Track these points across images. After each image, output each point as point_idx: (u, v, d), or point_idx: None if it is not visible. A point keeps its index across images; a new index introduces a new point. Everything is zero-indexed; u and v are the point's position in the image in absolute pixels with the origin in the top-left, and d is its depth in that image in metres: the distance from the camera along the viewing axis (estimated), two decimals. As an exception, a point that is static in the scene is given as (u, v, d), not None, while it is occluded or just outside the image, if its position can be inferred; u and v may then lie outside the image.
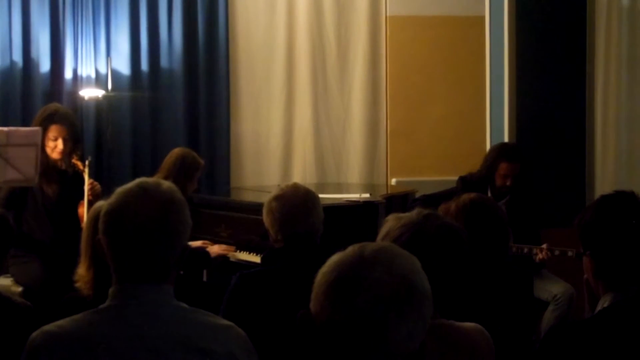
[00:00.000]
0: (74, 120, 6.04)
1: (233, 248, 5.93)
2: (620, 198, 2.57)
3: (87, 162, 5.67)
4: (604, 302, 2.51)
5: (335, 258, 1.82)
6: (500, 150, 5.96)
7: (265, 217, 3.81)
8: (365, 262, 1.78)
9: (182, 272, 2.70)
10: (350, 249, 1.83)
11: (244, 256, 5.84)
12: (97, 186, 5.73)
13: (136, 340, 2.33)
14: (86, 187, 5.59)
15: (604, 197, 2.61)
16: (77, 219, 5.67)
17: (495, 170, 5.86)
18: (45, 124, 5.69)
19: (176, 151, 6.09)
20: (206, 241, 6.02)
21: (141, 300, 2.38)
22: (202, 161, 6.13)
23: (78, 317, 2.39)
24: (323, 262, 1.85)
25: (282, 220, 3.74)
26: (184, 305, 2.44)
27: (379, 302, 1.73)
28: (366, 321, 1.73)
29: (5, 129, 5.26)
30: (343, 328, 1.74)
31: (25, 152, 5.17)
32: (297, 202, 3.76)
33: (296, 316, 1.81)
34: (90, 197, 5.56)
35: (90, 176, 5.78)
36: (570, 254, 5.41)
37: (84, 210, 5.54)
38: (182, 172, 5.91)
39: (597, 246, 2.52)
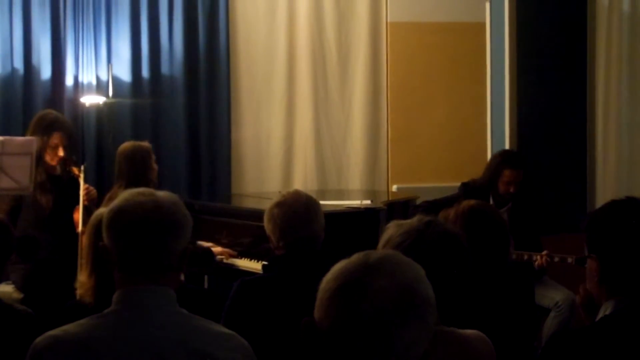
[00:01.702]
0: (72, 127, 6.06)
1: (235, 252, 5.94)
2: (631, 203, 2.58)
3: (82, 168, 5.67)
4: (605, 310, 2.51)
5: (339, 265, 1.82)
6: (503, 157, 5.96)
7: (267, 224, 3.81)
8: (369, 269, 1.78)
9: (183, 280, 2.71)
10: (355, 257, 1.83)
11: (244, 263, 5.83)
12: (93, 191, 5.73)
13: (140, 345, 2.34)
14: (81, 192, 5.59)
15: (614, 202, 2.62)
16: (73, 225, 5.65)
17: (498, 177, 5.86)
18: (47, 132, 5.70)
19: (121, 152, 5.97)
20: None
21: (145, 306, 2.40)
22: (147, 145, 6.04)
23: (82, 322, 2.40)
24: (324, 269, 1.85)
25: (283, 227, 3.74)
26: (187, 312, 2.46)
27: (382, 310, 1.73)
28: (370, 329, 1.73)
29: (0, 137, 5.27)
30: (347, 335, 1.74)
31: (20, 161, 5.18)
32: (298, 209, 3.76)
33: (300, 323, 1.81)
34: (86, 202, 5.57)
35: (89, 182, 5.79)
36: (570, 260, 5.41)
37: (79, 216, 5.53)
38: (138, 170, 5.85)
39: (604, 249, 2.53)
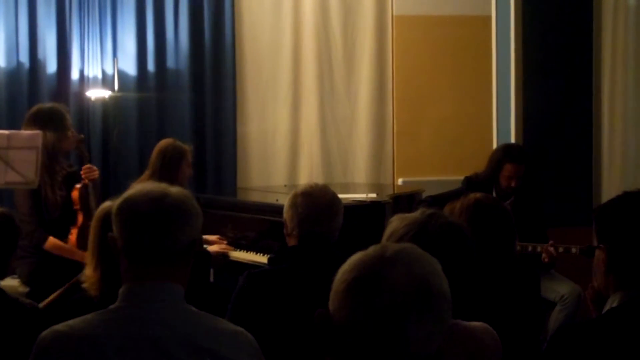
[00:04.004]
0: None
1: (231, 247, 5.96)
2: None
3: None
4: (612, 302, 2.50)
5: (356, 257, 1.82)
6: (504, 152, 5.94)
7: (287, 210, 3.77)
8: (386, 262, 1.78)
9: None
10: (372, 249, 1.83)
11: (250, 256, 5.84)
12: (96, 171, 5.76)
13: (145, 341, 2.33)
14: (87, 174, 5.67)
15: (627, 193, 2.62)
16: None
17: (499, 171, 5.84)
18: (67, 126, 5.75)
19: (158, 145, 6.07)
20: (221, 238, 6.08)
21: (151, 302, 2.39)
22: (186, 147, 6.05)
23: (87, 317, 2.39)
24: (332, 264, 1.84)
25: (302, 217, 3.71)
26: (194, 308, 2.45)
27: (398, 303, 1.73)
28: (384, 322, 1.72)
29: (6, 132, 5.28)
30: (361, 328, 1.74)
31: (26, 155, 5.18)
32: (322, 203, 3.74)
33: (307, 316, 1.80)
34: (86, 181, 5.62)
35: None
36: (574, 250, 5.42)
37: (77, 194, 5.60)
38: (164, 166, 5.91)
39: (614, 240, 2.52)
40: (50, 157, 5.59)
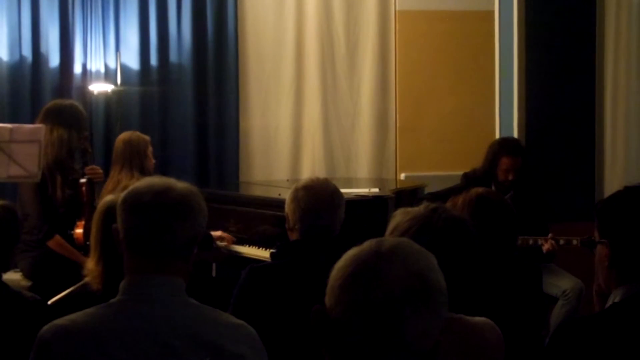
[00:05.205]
0: None
1: (234, 238, 5.97)
2: None
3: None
4: (614, 297, 2.50)
5: (351, 252, 1.81)
6: (500, 145, 5.94)
7: (289, 204, 3.77)
8: (381, 257, 1.77)
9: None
10: (367, 244, 1.82)
11: (252, 251, 5.84)
12: (100, 173, 5.81)
13: (147, 334, 2.33)
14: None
15: (628, 188, 2.61)
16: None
17: (496, 165, 5.84)
18: (85, 125, 5.82)
19: (120, 138, 6.14)
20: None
21: (152, 295, 2.39)
22: (146, 137, 6.17)
23: (89, 311, 2.39)
24: (334, 258, 1.84)
25: (304, 210, 3.71)
26: (195, 301, 2.45)
27: (394, 299, 1.72)
28: (381, 317, 1.71)
29: (9, 125, 5.28)
30: (357, 323, 1.73)
31: (29, 148, 5.18)
32: (324, 197, 3.74)
33: (310, 310, 1.80)
34: (88, 177, 5.67)
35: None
36: (575, 242, 5.41)
37: (84, 190, 5.63)
38: (134, 155, 6.00)
39: (616, 235, 2.51)
40: (70, 156, 5.63)
